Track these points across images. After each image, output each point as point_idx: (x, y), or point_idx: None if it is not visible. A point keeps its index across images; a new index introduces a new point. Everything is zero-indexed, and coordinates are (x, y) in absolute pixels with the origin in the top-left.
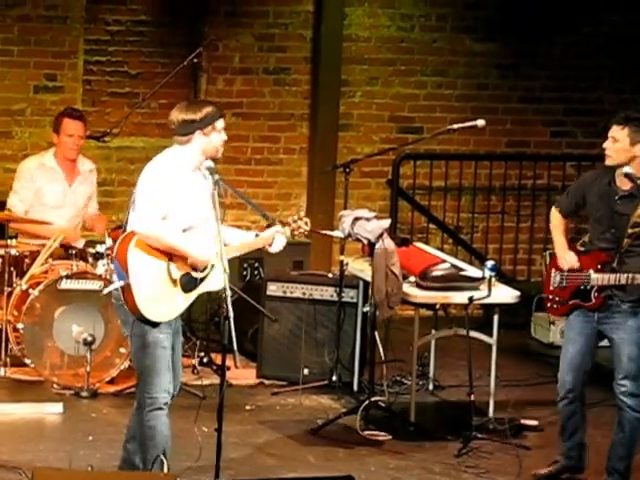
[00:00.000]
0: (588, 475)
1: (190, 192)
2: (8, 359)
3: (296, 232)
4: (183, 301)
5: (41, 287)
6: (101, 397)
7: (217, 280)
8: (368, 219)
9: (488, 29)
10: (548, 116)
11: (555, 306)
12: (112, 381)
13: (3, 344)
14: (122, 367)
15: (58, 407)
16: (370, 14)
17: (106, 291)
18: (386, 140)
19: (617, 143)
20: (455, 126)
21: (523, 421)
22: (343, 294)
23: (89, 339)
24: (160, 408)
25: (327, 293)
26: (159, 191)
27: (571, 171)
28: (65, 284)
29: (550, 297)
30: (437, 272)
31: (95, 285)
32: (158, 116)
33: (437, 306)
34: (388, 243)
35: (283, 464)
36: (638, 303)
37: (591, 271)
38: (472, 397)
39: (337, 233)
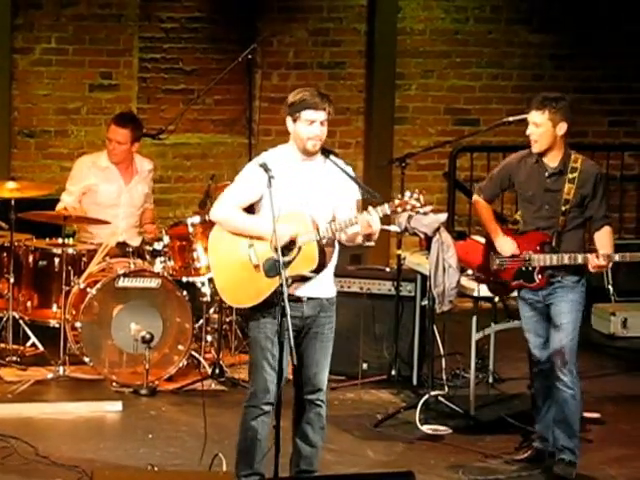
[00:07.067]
0: None
1: (286, 180)
2: (67, 358)
3: (400, 209)
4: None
5: (99, 286)
6: (160, 395)
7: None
8: (425, 213)
9: (543, 20)
10: (606, 106)
11: (497, 287)
12: (171, 378)
13: (62, 343)
14: (180, 364)
15: (117, 405)
16: (424, 7)
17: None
18: (442, 132)
19: (540, 128)
20: (511, 118)
21: (585, 414)
22: (401, 288)
23: (147, 337)
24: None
25: (385, 287)
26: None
27: (630, 160)
28: (123, 282)
29: (491, 279)
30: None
31: (152, 283)
32: (213, 112)
33: (496, 299)
34: (445, 236)
35: (342, 459)
36: (578, 278)
37: (531, 252)
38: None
39: (394, 227)
